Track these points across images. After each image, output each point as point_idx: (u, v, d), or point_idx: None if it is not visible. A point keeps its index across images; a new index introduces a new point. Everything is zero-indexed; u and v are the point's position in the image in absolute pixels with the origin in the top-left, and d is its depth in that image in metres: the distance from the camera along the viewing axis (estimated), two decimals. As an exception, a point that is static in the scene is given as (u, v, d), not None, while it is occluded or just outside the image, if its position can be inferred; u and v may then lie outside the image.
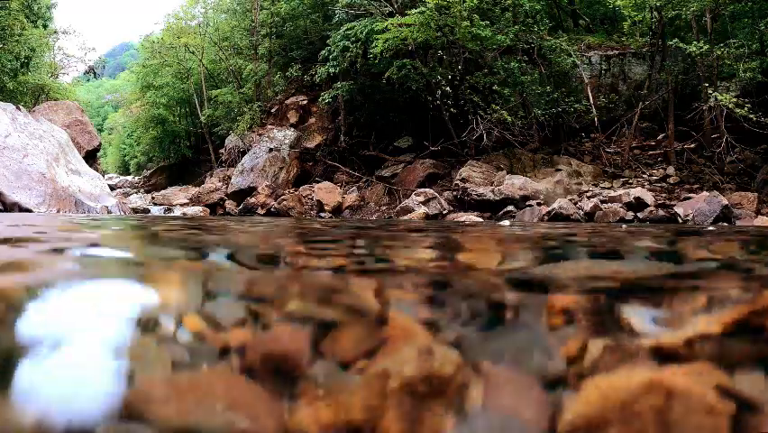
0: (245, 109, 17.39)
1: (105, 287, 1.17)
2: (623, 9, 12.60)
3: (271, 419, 0.65)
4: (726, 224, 8.82)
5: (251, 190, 14.65)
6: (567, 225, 7.44)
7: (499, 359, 0.77)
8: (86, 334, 0.79)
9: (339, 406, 0.66)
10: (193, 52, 21.41)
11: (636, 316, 0.91)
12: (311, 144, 16.12)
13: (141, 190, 21.73)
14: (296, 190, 14.38)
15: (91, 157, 17.20)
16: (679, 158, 11.59)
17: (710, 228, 6.29)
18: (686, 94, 11.97)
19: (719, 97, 10.03)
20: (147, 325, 0.86)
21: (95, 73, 26.47)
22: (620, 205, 9.99)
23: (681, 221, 9.16)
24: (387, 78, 13.03)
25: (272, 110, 17.50)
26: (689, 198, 9.80)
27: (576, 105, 12.35)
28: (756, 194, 9.76)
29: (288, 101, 17.25)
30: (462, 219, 10.16)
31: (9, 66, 17.74)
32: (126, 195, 19.02)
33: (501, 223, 8.08)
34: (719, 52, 10.57)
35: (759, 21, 10.53)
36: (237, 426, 0.63)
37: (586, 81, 12.63)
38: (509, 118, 11.97)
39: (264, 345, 0.80)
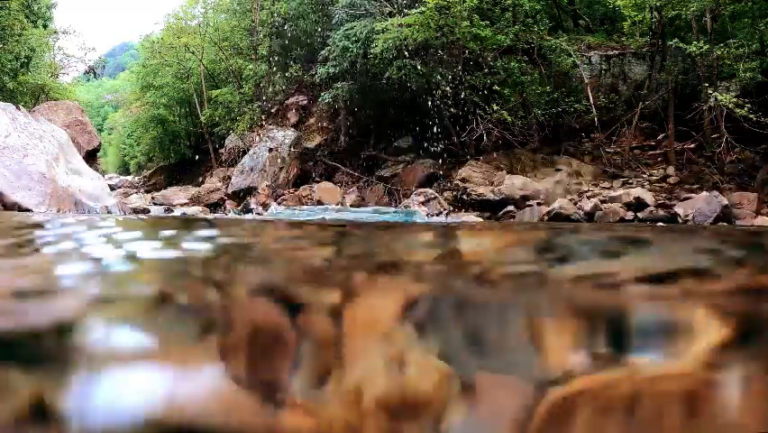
0: (245, 109, 17.38)
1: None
2: (623, 9, 12.58)
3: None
4: (726, 224, 8.82)
5: (251, 190, 14.65)
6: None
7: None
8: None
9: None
10: (193, 52, 21.38)
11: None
12: (311, 144, 16.11)
13: (141, 190, 21.72)
14: (296, 190, 14.39)
15: (91, 157, 17.18)
16: (679, 158, 11.58)
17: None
18: (686, 94, 11.95)
19: (719, 97, 10.01)
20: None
21: (95, 73, 26.43)
22: (620, 205, 9.98)
23: (681, 221, 9.16)
24: (387, 78, 13.02)
25: (272, 110, 17.49)
26: (689, 198, 9.80)
27: (576, 105, 12.34)
28: (756, 194, 9.75)
29: (288, 101, 17.24)
30: (461, 219, 10.16)
31: (9, 66, 17.72)
32: (126, 195, 19.01)
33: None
34: (719, 52, 10.56)
35: (759, 21, 10.52)
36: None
37: (586, 81, 12.61)
38: (509, 118, 11.97)
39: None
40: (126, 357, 0.77)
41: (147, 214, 11.36)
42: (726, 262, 1.40)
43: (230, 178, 16.04)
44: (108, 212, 9.62)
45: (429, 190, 11.87)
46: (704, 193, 9.64)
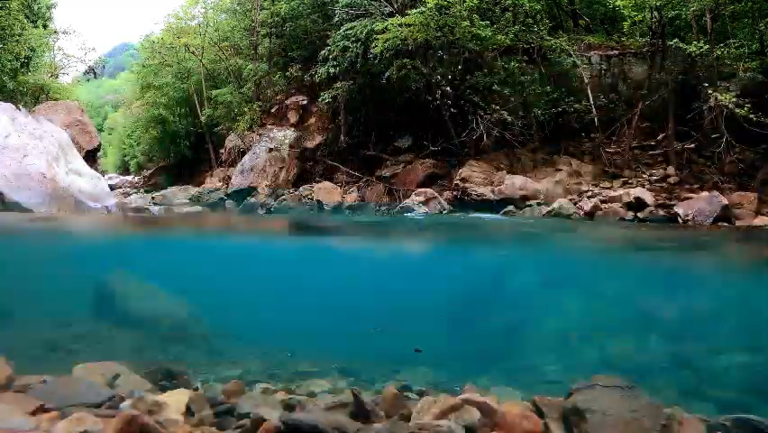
0: (245, 109, 17.36)
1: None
2: (623, 9, 12.57)
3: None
4: (726, 224, 8.82)
5: (250, 190, 14.64)
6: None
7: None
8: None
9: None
10: (193, 53, 21.37)
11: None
12: (311, 144, 16.11)
13: (141, 190, 21.69)
14: (296, 190, 14.38)
15: (91, 157, 17.21)
16: (679, 158, 11.57)
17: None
18: (686, 94, 11.94)
19: (719, 97, 10.01)
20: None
21: (95, 73, 26.46)
22: (620, 205, 9.98)
23: (680, 221, 9.16)
24: (387, 78, 13.02)
25: (272, 110, 17.49)
26: (689, 198, 9.79)
27: (576, 105, 12.33)
28: (756, 194, 9.75)
29: (288, 101, 17.23)
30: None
31: (9, 66, 17.72)
32: (126, 195, 18.99)
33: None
34: (719, 52, 10.55)
35: (759, 21, 10.52)
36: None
37: (586, 81, 12.61)
38: (509, 118, 11.97)
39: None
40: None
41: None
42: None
43: (230, 178, 16.03)
44: (108, 212, 9.62)
45: (429, 190, 11.86)
46: (704, 193, 9.64)
